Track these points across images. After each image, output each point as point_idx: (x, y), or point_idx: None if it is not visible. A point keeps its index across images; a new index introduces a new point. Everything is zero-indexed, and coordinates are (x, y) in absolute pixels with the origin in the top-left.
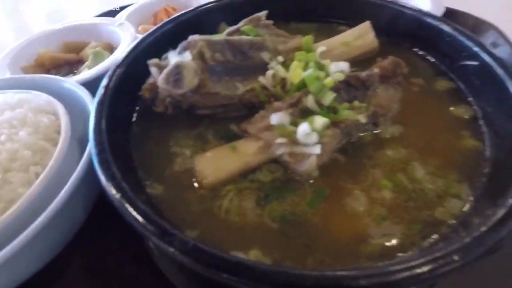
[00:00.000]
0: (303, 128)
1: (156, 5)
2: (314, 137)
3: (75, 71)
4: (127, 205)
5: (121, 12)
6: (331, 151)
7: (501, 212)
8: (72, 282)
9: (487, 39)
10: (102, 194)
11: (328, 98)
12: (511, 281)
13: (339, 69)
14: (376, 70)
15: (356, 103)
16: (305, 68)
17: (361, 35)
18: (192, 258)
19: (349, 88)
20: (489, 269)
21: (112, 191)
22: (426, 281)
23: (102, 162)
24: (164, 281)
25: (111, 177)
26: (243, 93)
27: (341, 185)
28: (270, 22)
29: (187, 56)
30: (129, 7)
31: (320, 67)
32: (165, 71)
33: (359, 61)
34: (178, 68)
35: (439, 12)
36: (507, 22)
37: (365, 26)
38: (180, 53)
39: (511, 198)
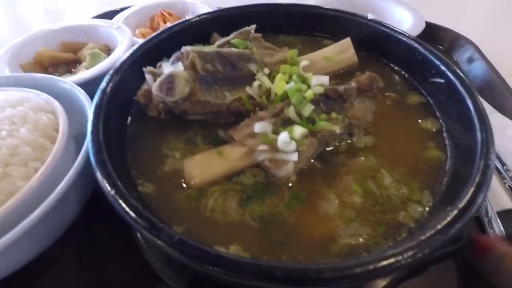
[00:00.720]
0: (283, 137)
1: (152, 10)
2: (293, 145)
3: (72, 71)
4: (121, 201)
5: (118, 15)
6: (308, 158)
7: (449, 217)
8: (64, 272)
9: (464, 53)
10: (95, 191)
11: (307, 110)
12: None
13: (319, 82)
14: (353, 84)
15: (334, 114)
16: (289, 80)
17: (342, 51)
18: (178, 250)
19: (327, 101)
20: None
21: (108, 188)
22: (381, 275)
23: (98, 162)
24: (152, 274)
25: (107, 176)
26: (231, 101)
27: (316, 189)
28: (259, 35)
29: (180, 67)
30: (126, 10)
31: (303, 79)
32: (159, 79)
33: (340, 74)
34: (171, 78)
35: (420, 26)
36: (482, 39)
37: (346, 42)
38: (173, 63)
39: (458, 206)
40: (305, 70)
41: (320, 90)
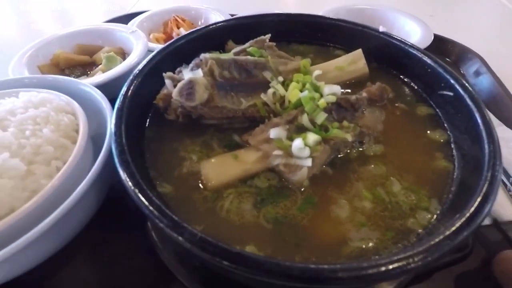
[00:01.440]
0: (297, 143)
1: (166, 15)
2: (307, 151)
3: (88, 73)
4: (145, 200)
5: (133, 20)
6: (320, 164)
7: (458, 224)
8: (79, 270)
9: (471, 67)
10: (111, 189)
11: (321, 118)
12: None
13: (332, 91)
14: (364, 94)
15: (345, 123)
16: (302, 88)
17: (354, 61)
18: (199, 248)
19: (339, 109)
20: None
21: (132, 187)
22: (391, 277)
23: (122, 162)
24: (166, 272)
25: (130, 175)
26: (246, 107)
27: (328, 194)
28: (273, 44)
29: (199, 73)
30: (140, 15)
31: (316, 88)
32: (179, 85)
33: (351, 84)
34: (191, 84)
35: (428, 39)
36: (489, 52)
37: (358, 53)
38: (192, 69)
39: (466, 214)
40: (318, 79)
41: (333, 99)
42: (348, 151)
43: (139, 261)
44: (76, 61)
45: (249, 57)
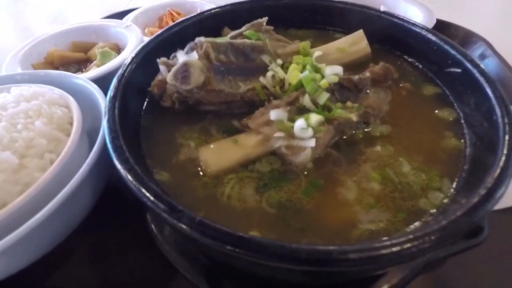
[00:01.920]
0: (299, 123)
1: (161, 9)
2: (310, 132)
3: (83, 70)
4: (140, 186)
5: (128, 15)
6: (325, 145)
7: (474, 201)
8: (78, 264)
9: (476, 50)
10: (108, 184)
11: (323, 97)
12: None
13: (333, 72)
14: (368, 74)
15: (349, 103)
16: (302, 70)
17: (355, 42)
18: (199, 232)
19: (342, 90)
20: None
21: (125, 173)
22: (405, 257)
23: (116, 148)
24: (167, 265)
25: (124, 161)
26: (244, 91)
27: (334, 177)
28: (270, 28)
29: (194, 56)
30: (135, 10)
31: (316, 69)
32: (174, 68)
33: (353, 66)
34: (186, 66)
35: (430, 24)
36: (494, 35)
37: (359, 34)
38: (187, 53)
39: (483, 189)
40: (318, 61)
41: (335, 79)
42: (354, 132)
43: (139, 255)
44: (71, 58)
45: (246, 40)
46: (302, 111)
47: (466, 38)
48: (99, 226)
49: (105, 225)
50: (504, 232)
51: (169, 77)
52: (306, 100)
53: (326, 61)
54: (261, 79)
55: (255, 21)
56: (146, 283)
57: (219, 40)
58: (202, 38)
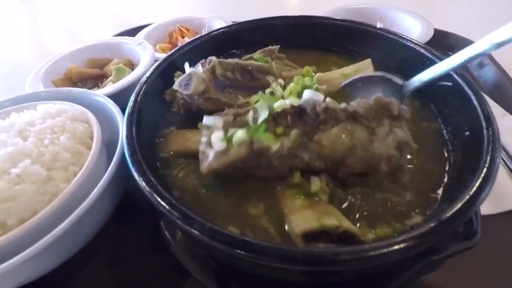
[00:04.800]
0: (217, 134)
1: (171, 26)
2: (221, 145)
3: (99, 85)
4: (156, 196)
5: (140, 32)
6: (227, 163)
7: (457, 207)
8: (96, 268)
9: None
10: (125, 193)
11: (261, 117)
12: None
13: (310, 97)
14: (353, 104)
15: (294, 132)
16: (301, 90)
17: (361, 69)
18: (209, 237)
19: (299, 116)
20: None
21: (144, 184)
22: (394, 257)
23: (134, 162)
24: (179, 268)
25: (142, 174)
26: (242, 104)
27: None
28: (283, 55)
29: (199, 69)
30: (146, 27)
31: (307, 87)
32: (180, 77)
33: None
34: (190, 76)
35: (429, 33)
36: None
37: (366, 62)
38: (196, 66)
39: (467, 195)
40: (320, 83)
41: (296, 102)
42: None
43: (154, 260)
44: (88, 74)
45: (253, 61)
46: (243, 124)
47: (464, 47)
48: (115, 233)
49: (121, 232)
50: (499, 235)
51: (175, 84)
52: (249, 115)
53: (330, 84)
54: (260, 94)
55: (267, 48)
56: (160, 285)
57: (228, 60)
58: (213, 57)
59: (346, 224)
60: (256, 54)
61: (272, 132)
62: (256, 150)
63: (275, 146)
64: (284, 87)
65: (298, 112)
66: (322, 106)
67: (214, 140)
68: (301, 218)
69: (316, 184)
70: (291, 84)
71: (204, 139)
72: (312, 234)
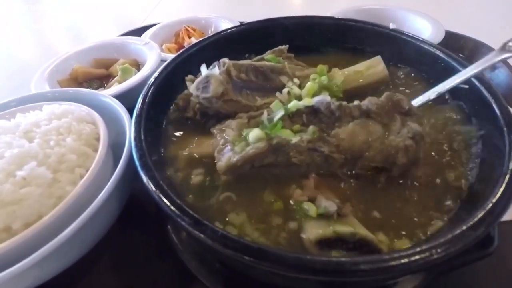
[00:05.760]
0: (229, 133)
1: (177, 26)
2: (240, 143)
3: (105, 85)
4: (166, 201)
5: (146, 32)
6: (247, 159)
7: (480, 215)
8: (102, 271)
9: None
10: (131, 196)
11: (277, 116)
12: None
13: (319, 99)
14: (365, 102)
15: (311, 128)
16: (318, 89)
17: (373, 66)
18: (221, 244)
19: (314, 114)
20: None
21: (153, 188)
22: (414, 268)
23: (143, 165)
24: (187, 273)
25: (151, 178)
26: (261, 105)
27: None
28: (292, 55)
29: (216, 70)
30: (152, 27)
31: (326, 87)
32: (197, 80)
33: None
34: (208, 78)
35: (440, 35)
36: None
37: (377, 59)
38: (211, 69)
39: (489, 203)
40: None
41: (309, 102)
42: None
43: (160, 264)
44: (94, 74)
45: (266, 62)
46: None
47: (475, 49)
48: (122, 236)
49: (127, 235)
50: None
51: (192, 87)
52: (264, 116)
53: (344, 82)
54: (277, 94)
55: (277, 48)
56: None
57: (241, 61)
58: (226, 59)
59: (362, 231)
60: (267, 55)
61: (289, 129)
62: (275, 144)
63: (295, 139)
64: (299, 87)
65: (313, 111)
66: (336, 104)
67: (231, 138)
68: (316, 225)
69: (313, 210)
70: (309, 83)
71: (220, 140)
72: (326, 241)
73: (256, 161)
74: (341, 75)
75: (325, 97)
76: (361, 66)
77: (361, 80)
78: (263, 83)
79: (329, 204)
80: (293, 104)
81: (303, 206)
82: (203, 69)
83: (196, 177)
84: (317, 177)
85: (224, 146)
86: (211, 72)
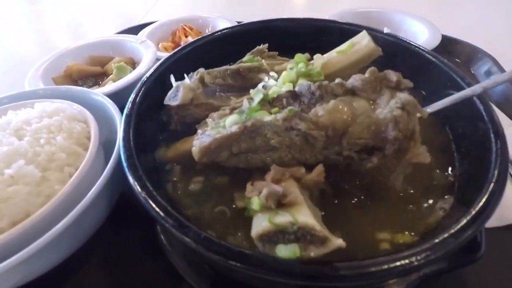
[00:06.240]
0: (210, 123)
1: (174, 24)
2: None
3: (100, 83)
4: (151, 202)
5: (142, 30)
6: (218, 140)
7: (463, 221)
8: (90, 271)
9: (482, 67)
10: (121, 196)
11: (255, 99)
12: None
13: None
14: (338, 80)
15: (288, 108)
16: (297, 79)
17: (356, 42)
18: (203, 247)
19: (295, 97)
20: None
21: (139, 189)
22: (395, 274)
23: (130, 166)
24: (175, 274)
25: (138, 178)
26: (235, 104)
27: None
28: (275, 53)
29: (187, 80)
30: (149, 26)
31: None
32: (169, 92)
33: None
34: (178, 87)
35: (436, 40)
36: (500, 51)
37: (361, 34)
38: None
39: (473, 209)
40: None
41: (290, 87)
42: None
43: (149, 264)
44: (88, 72)
45: (242, 64)
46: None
47: (472, 54)
48: (111, 236)
49: (117, 235)
50: (503, 249)
51: (165, 100)
52: (244, 104)
53: (329, 65)
54: (251, 91)
55: (255, 49)
56: None
57: (217, 68)
58: (201, 69)
59: (302, 219)
60: (245, 57)
61: (268, 112)
62: (250, 126)
63: (268, 118)
64: (277, 80)
65: (294, 95)
66: (316, 84)
67: (209, 121)
68: (259, 220)
69: (256, 203)
70: (284, 72)
71: (199, 132)
72: (268, 235)
73: (234, 146)
74: (321, 59)
75: (308, 82)
76: (343, 45)
77: (345, 60)
78: (242, 83)
79: (268, 192)
80: (274, 90)
81: (250, 201)
82: (173, 80)
83: (183, 179)
84: (280, 168)
85: (201, 135)
86: (181, 82)
